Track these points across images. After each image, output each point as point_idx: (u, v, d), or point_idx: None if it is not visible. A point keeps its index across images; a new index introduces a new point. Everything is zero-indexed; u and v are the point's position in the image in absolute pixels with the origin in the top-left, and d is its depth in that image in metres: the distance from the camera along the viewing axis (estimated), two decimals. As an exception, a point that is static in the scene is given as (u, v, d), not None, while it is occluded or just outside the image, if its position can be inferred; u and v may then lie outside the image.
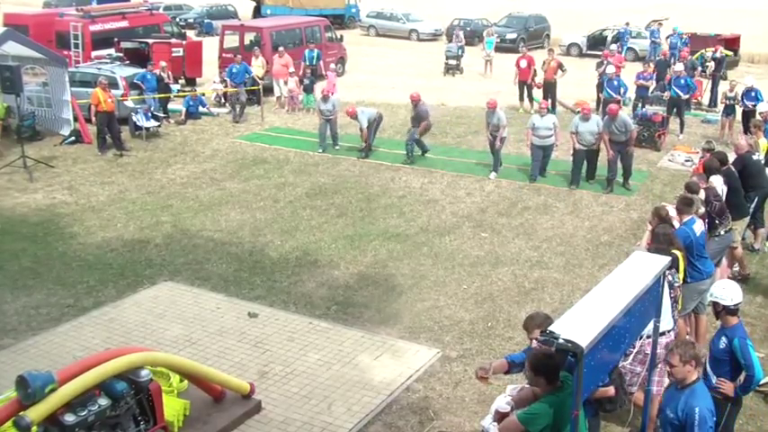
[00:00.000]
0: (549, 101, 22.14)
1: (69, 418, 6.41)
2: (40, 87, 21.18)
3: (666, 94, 20.76)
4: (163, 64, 22.95)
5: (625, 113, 16.61)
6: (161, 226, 14.10)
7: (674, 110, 20.52)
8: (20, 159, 17.33)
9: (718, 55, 26.26)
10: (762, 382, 7.88)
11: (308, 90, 24.02)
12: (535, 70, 23.16)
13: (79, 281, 11.78)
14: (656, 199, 14.92)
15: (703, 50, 27.11)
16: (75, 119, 20.17)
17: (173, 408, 7.81)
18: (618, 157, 15.96)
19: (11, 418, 6.31)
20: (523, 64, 23.21)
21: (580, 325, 5.28)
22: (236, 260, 12.56)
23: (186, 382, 8.28)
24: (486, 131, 17.21)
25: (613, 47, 27.56)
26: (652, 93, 21.40)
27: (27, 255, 12.66)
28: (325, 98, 19.21)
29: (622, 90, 21.09)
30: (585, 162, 16.27)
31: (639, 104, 21.22)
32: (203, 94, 24.12)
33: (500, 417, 6.39)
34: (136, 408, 7.09)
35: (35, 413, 6.24)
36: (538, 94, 23.23)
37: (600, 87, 22.12)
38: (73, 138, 19.90)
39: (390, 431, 8.12)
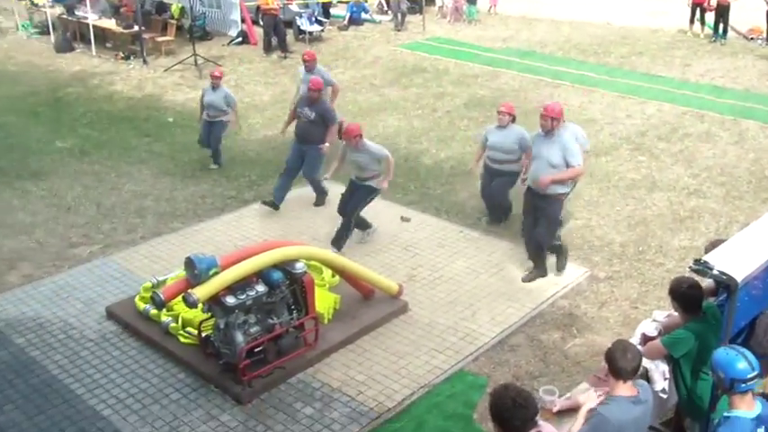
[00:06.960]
0: (722, 25, 20.77)
1: (230, 300, 6.84)
2: (211, -12, 21.93)
3: None
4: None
5: None
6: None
7: None
8: (191, 57, 18.10)
9: None
10: None
11: (472, 1, 23.57)
12: None
13: (242, 174, 12.34)
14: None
15: None
16: (243, 20, 20.75)
17: (324, 300, 8.15)
18: None
19: (181, 293, 6.82)
20: None
21: (736, 258, 5.04)
22: (392, 165, 12.69)
23: (338, 277, 8.59)
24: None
25: None
26: None
27: (196, 147, 13.27)
28: None
29: None
30: None
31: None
32: (366, 1, 24.13)
33: (645, 340, 6.31)
34: (290, 297, 7.47)
35: (201, 292, 6.70)
36: (710, 18, 21.71)
37: None
38: (240, 39, 20.51)
39: (532, 344, 8.12)
